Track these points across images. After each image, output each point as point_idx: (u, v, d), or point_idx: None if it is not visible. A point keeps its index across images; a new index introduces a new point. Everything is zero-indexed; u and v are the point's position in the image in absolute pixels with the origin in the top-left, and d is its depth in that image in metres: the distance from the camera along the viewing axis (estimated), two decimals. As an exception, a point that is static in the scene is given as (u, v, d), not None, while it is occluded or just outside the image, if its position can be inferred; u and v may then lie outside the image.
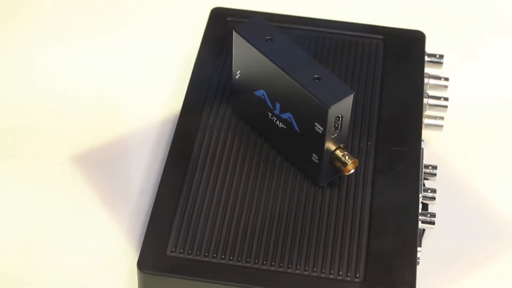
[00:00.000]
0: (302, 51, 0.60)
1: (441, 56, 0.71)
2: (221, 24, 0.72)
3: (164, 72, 0.76)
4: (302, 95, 0.58)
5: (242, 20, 0.71)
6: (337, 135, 0.59)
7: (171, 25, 0.80)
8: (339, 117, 0.58)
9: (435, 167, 0.65)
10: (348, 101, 0.57)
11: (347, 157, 0.59)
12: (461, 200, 0.68)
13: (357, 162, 0.59)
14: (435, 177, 0.65)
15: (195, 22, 0.79)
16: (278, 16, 0.73)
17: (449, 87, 0.70)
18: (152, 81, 0.75)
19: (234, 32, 0.61)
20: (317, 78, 0.58)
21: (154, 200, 0.60)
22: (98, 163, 0.69)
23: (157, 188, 0.61)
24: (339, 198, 0.60)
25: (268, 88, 0.61)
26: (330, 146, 0.59)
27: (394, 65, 0.69)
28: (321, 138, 0.58)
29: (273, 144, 0.63)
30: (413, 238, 0.58)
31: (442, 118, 0.69)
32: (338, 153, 0.59)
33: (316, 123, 0.58)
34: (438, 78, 0.70)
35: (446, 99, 0.69)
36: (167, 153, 0.63)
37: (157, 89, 0.74)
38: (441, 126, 0.69)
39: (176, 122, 0.65)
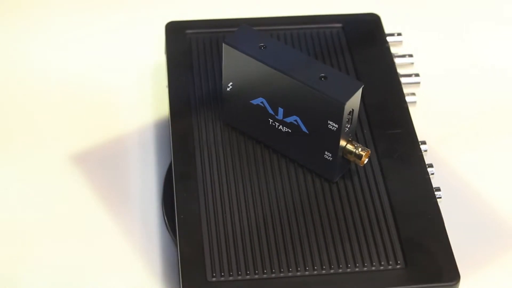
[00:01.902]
0: (298, 52, 0.60)
1: (399, 34, 0.73)
2: (181, 38, 0.70)
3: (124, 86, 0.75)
4: (310, 95, 0.57)
5: (201, 31, 0.71)
6: (348, 129, 0.59)
7: (120, 44, 0.78)
8: (351, 111, 0.58)
9: (424, 143, 0.66)
10: (358, 94, 0.58)
11: (360, 149, 0.59)
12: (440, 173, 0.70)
13: (369, 151, 0.60)
14: (426, 153, 0.67)
15: (145, 36, 0.78)
16: (234, 21, 0.72)
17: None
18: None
19: (224, 45, 0.60)
20: (323, 76, 0.58)
21: (177, 229, 0.58)
22: (92, 162, 0.69)
23: (154, 188, 0.63)
24: (355, 190, 0.61)
25: (268, 95, 0.60)
26: (343, 141, 0.59)
27: (361, 51, 0.70)
28: (336, 135, 0.58)
29: (276, 149, 0.62)
30: (438, 216, 0.59)
31: (414, 94, 0.71)
32: (351, 146, 0.59)
33: (329, 121, 0.58)
34: (403, 56, 0.72)
35: (417, 75, 0.71)
36: (173, 175, 0.61)
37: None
38: (414, 102, 0.70)
39: (171, 143, 0.63)
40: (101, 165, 0.68)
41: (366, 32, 0.71)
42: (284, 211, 0.59)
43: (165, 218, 0.65)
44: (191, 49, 0.69)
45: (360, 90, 0.58)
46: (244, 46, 0.59)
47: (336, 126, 0.58)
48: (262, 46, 0.59)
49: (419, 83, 0.70)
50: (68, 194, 0.66)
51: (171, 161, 0.67)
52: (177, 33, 0.71)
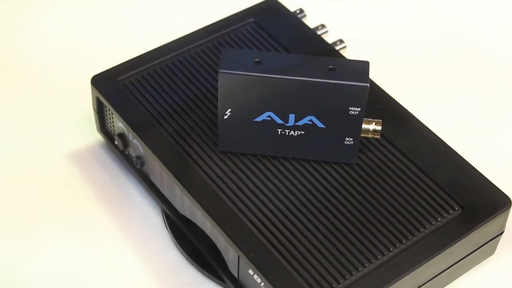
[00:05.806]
0: (292, 55, 0.59)
1: (302, 10, 0.74)
2: (115, 86, 0.66)
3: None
4: (327, 90, 0.58)
5: (131, 73, 0.67)
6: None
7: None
8: (366, 91, 0.59)
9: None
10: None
11: (374, 123, 0.61)
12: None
13: (381, 121, 0.61)
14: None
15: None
16: (155, 51, 0.69)
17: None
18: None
19: (220, 74, 0.58)
20: (331, 68, 0.58)
21: (257, 269, 0.56)
22: (91, 162, 0.69)
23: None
24: (374, 163, 0.62)
25: (276, 106, 0.59)
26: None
27: (285, 36, 0.70)
28: (359, 118, 0.59)
29: (285, 156, 0.62)
30: (458, 155, 0.63)
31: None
32: (367, 124, 0.61)
33: (350, 108, 0.58)
34: (316, 28, 0.73)
35: (341, 41, 0.73)
36: (214, 221, 0.59)
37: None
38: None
39: (188, 194, 0.61)
40: (100, 164, 0.68)
41: (277, 18, 0.72)
42: (333, 208, 0.59)
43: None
44: (134, 94, 0.66)
45: (369, 67, 0.59)
46: (241, 68, 0.58)
47: (359, 109, 0.58)
48: (257, 61, 0.58)
49: (345, 47, 0.72)
50: (67, 194, 0.66)
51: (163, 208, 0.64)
52: (109, 83, 0.67)
